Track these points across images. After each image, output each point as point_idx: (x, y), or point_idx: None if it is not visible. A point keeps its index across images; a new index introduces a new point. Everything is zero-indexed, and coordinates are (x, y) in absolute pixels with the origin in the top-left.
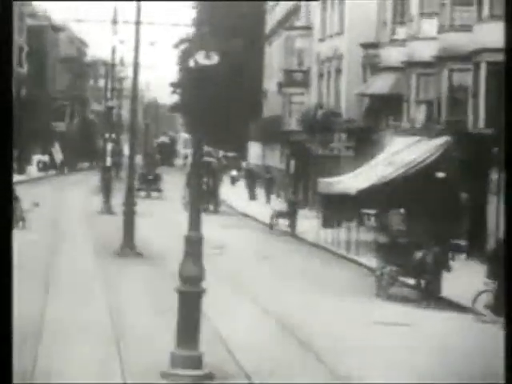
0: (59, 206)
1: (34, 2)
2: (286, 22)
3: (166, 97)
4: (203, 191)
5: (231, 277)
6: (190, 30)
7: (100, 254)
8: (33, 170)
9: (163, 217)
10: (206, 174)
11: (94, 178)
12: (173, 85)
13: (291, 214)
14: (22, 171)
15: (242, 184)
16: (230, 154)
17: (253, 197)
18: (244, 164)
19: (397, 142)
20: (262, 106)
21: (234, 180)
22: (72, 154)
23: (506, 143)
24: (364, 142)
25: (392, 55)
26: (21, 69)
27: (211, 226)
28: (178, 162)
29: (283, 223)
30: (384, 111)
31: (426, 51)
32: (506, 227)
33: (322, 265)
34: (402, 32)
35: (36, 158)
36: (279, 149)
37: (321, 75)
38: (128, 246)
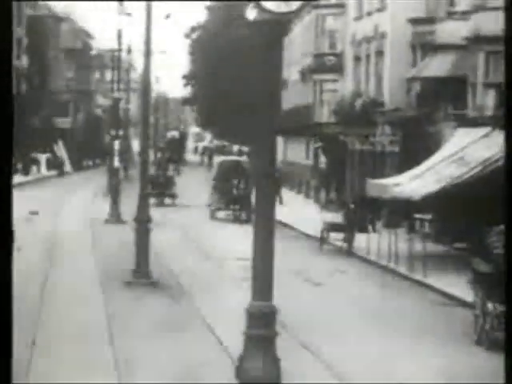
0: (60, 214)
1: None
2: (306, 6)
3: (175, 90)
4: (233, 196)
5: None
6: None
7: (106, 283)
8: (36, 170)
9: (183, 230)
10: (235, 176)
11: (100, 178)
12: (185, 77)
13: (348, 227)
14: (26, 172)
15: None
16: (245, 149)
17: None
18: None
19: (461, 135)
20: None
21: None
22: (77, 151)
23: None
24: (413, 136)
25: (451, 31)
26: (19, 62)
27: (246, 240)
28: (191, 158)
29: (335, 237)
30: (441, 98)
31: (496, 24)
32: (506, 228)
33: (387, 291)
34: (463, 3)
35: (40, 157)
36: (305, 143)
37: (357, 59)
38: (141, 273)
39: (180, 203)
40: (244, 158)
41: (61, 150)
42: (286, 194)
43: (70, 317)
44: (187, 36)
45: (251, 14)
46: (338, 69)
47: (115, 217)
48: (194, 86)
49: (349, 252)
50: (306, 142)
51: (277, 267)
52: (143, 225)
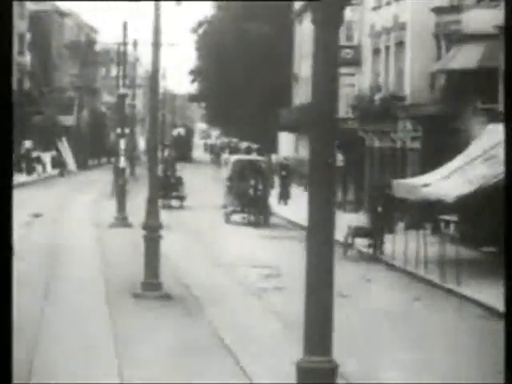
0: (63, 217)
1: None
2: None
3: (180, 86)
4: (249, 198)
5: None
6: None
7: (112, 296)
8: (40, 169)
9: (197, 235)
10: (252, 177)
11: (105, 177)
12: (193, 72)
13: (376, 232)
14: (30, 171)
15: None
16: (255, 146)
17: (286, 196)
18: (274, 157)
19: (492, 131)
20: (291, 93)
21: None
22: (81, 150)
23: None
24: (437, 132)
25: (479, 19)
26: (22, 58)
27: (265, 245)
28: (200, 155)
29: (361, 242)
30: (469, 91)
31: None
32: (506, 227)
33: (421, 305)
34: None
35: (45, 156)
36: None
37: (376, 51)
38: (151, 285)
39: (189, 205)
40: (255, 156)
41: (64, 148)
42: (296, 191)
43: (71, 338)
44: (194, 31)
45: None
46: (355, 62)
47: (121, 220)
48: (201, 82)
49: (374, 258)
50: None
51: (295, 276)
52: (153, 232)
